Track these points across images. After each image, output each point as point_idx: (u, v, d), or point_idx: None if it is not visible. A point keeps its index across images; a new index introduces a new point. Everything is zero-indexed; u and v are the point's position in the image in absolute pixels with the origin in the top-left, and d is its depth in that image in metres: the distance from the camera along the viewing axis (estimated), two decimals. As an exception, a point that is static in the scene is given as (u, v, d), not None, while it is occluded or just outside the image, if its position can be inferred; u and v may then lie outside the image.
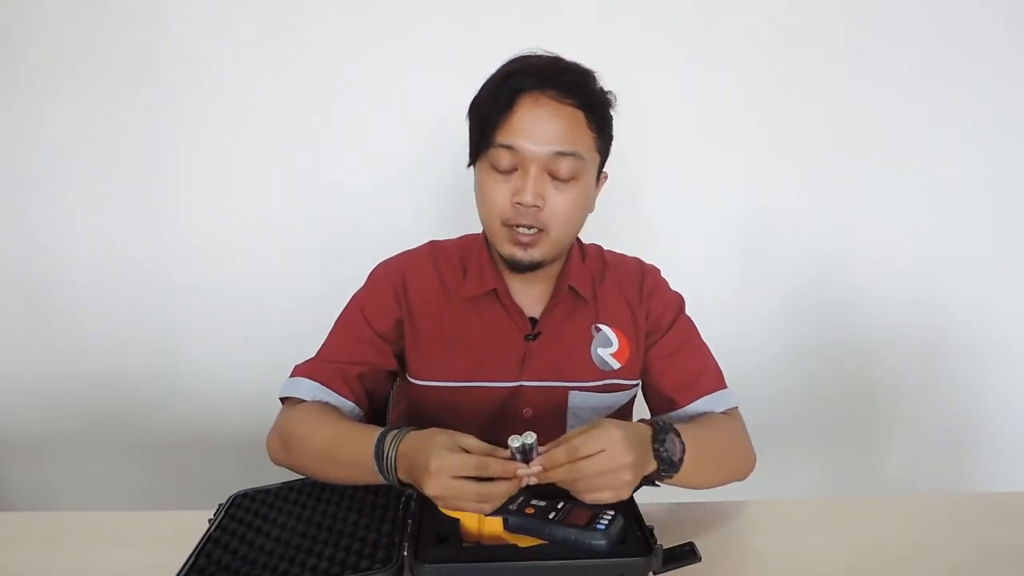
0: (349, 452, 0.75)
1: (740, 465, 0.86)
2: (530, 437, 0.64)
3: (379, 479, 0.73)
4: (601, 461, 0.64)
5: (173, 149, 1.52)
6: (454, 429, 0.91)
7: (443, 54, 1.46)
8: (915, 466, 1.75)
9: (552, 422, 0.91)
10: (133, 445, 1.68)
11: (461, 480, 0.63)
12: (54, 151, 1.52)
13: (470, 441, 0.67)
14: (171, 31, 1.47)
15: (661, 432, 0.71)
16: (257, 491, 0.80)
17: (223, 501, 0.77)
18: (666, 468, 0.71)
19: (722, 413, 0.90)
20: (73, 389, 1.65)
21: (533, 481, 0.65)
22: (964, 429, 1.74)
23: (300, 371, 0.88)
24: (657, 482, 0.73)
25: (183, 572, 0.64)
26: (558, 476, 0.65)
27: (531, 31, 1.39)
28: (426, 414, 0.93)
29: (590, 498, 0.65)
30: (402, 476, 0.70)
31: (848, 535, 0.77)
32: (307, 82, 1.49)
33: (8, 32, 1.46)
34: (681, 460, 0.72)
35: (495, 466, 0.64)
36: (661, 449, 0.70)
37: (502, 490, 0.64)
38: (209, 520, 0.74)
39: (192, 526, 0.72)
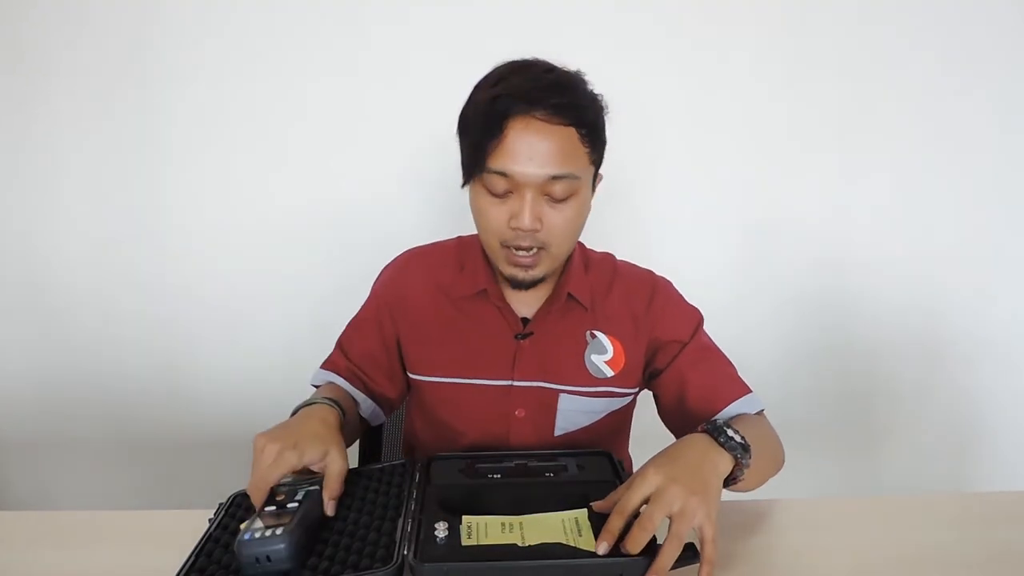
0: None
1: (779, 452, 0.87)
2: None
3: None
4: (656, 512, 0.61)
5: (172, 149, 1.53)
6: (453, 427, 0.93)
7: (444, 56, 1.46)
8: (915, 466, 1.76)
9: (541, 423, 0.92)
10: (133, 445, 1.68)
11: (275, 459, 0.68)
12: (51, 151, 1.52)
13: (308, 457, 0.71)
14: (170, 32, 1.47)
15: (716, 431, 0.71)
16: (257, 491, 0.79)
17: (223, 501, 0.77)
18: (742, 453, 0.70)
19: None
20: (73, 389, 1.65)
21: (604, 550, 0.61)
22: (964, 429, 1.74)
23: (327, 365, 0.96)
24: (739, 476, 0.72)
25: (183, 572, 0.64)
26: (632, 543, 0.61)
27: (532, 25, 1.38)
28: (427, 410, 0.96)
29: (687, 528, 0.61)
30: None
31: (847, 535, 0.77)
32: (307, 81, 1.49)
33: (5, 32, 1.46)
34: (746, 443, 0.71)
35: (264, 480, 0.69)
36: (726, 440, 0.70)
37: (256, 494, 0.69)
38: (209, 520, 0.73)
39: (192, 526, 0.72)
